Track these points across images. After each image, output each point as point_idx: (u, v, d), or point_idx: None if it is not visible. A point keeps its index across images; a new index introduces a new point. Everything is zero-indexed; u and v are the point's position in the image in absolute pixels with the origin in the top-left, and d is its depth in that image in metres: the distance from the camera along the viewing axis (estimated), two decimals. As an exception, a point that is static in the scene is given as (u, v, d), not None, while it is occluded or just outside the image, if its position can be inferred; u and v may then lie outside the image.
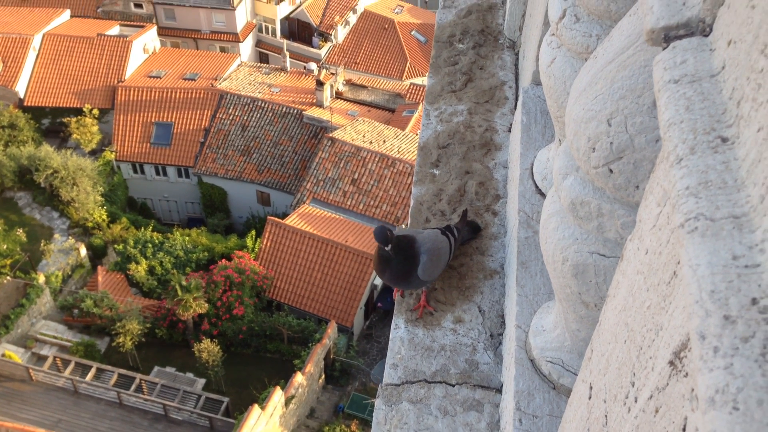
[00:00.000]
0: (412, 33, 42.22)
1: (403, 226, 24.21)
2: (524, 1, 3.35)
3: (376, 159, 30.20)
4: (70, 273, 27.53)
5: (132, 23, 38.82)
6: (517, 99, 3.37)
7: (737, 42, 0.78)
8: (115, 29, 37.30)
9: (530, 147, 2.55)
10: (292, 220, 27.87)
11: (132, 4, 40.49)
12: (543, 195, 2.42)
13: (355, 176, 30.16)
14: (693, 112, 0.80)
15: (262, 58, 43.75)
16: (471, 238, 2.76)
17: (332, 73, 35.76)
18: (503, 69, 3.52)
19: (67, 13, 37.44)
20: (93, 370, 24.15)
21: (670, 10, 0.96)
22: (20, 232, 27.75)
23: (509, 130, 3.11)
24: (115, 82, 34.19)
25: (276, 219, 27.87)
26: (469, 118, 3.24)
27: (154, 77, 35.01)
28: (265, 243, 27.27)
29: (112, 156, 32.68)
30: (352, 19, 43.00)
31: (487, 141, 3.11)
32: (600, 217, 1.54)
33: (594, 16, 1.86)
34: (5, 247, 26.60)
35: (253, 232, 29.87)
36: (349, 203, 29.73)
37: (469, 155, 3.04)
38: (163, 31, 40.05)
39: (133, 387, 23.84)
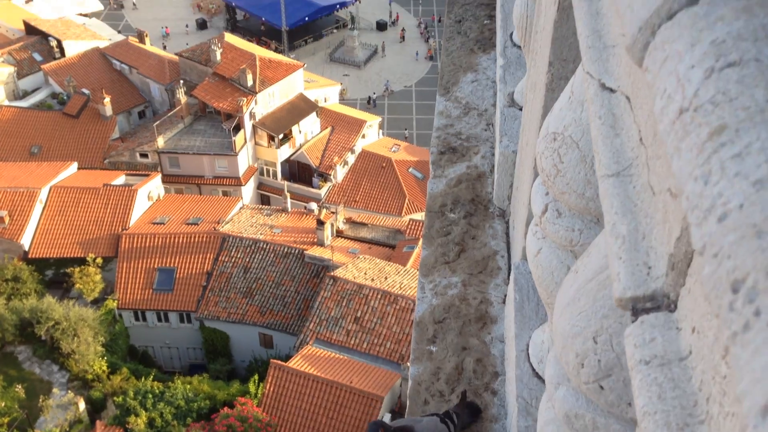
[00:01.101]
0: (410, 170, 43.39)
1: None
2: (511, 171, 3.47)
3: (379, 296, 30.14)
4: (68, 429, 26.74)
5: (137, 172, 40.01)
6: (509, 269, 3.41)
7: (700, 333, 0.78)
8: (120, 179, 38.39)
9: (524, 327, 2.55)
10: (295, 363, 27.41)
11: (138, 154, 41.88)
12: (541, 379, 2.39)
13: (358, 314, 29.99)
14: (665, 401, 0.79)
15: (264, 200, 44.72)
16: (471, 422, 2.70)
17: (332, 212, 36.44)
18: (494, 238, 3.60)
19: (75, 165, 38.66)
20: None
21: (636, 279, 0.98)
22: (19, 389, 27.23)
23: (504, 302, 3.14)
24: (120, 230, 34.76)
25: (279, 362, 27.42)
26: (464, 290, 3.27)
27: (157, 223, 35.63)
28: (268, 388, 26.68)
29: (114, 304, 32.65)
30: (351, 159, 44.35)
31: (482, 314, 3.13)
32: (595, 431, 1.51)
33: (575, 212, 1.93)
34: (3, 404, 26.01)
35: (256, 377, 29.31)
36: (352, 342, 29.36)
37: (465, 330, 3.04)
38: (167, 179, 41.19)
39: None
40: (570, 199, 1.87)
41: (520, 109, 3.41)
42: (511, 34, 3.67)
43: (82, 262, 33.37)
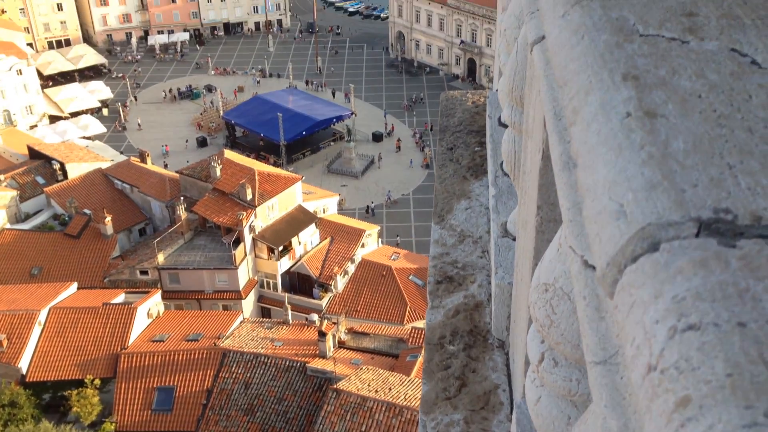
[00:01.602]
0: (410, 278, 43.32)
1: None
2: (507, 303, 3.47)
3: (383, 408, 29.36)
4: None
5: (137, 290, 39.88)
6: (512, 403, 3.35)
7: None
8: (120, 297, 38.23)
9: (530, 471, 2.48)
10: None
11: (138, 272, 41.91)
12: None
13: (363, 429, 29.11)
14: None
15: (264, 313, 44.38)
16: None
17: (334, 323, 36.07)
18: (495, 371, 3.56)
19: (74, 286, 38.59)
20: None
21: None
22: None
23: (508, 440, 3.06)
24: (119, 349, 34.27)
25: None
26: (467, 428, 3.19)
27: (157, 341, 35.17)
28: None
29: (112, 427, 31.73)
30: (351, 268, 44.36)
31: (486, 454, 3.04)
32: None
33: (572, 361, 1.91)
34: None
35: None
36: (358, 459, 28.34)
37: (470, 473, 2.94)
38: (167, 295, 41.01)
39: None
40: (566, 349, 1.86)
41: (514, 239, 3.45)
42: (501, 163, 3.76)
43: (80, 384, 32.70)
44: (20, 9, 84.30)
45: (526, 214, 2.53)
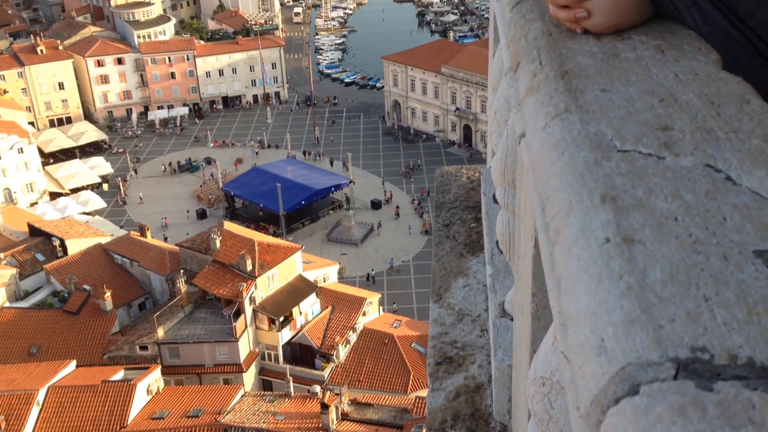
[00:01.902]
0: (413, 345, 42.83)
1: None
2: (508, 385, 3.43)
3: (390, 483, 28.60)
4: None
5: (137, 366, 39.36)
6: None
7: None
8: (119, 374, 37.69)
9: None
10: None
11: (137, 347, 41.45)
12: None
13: (370, 505, 28.28)
14: None
15: (266, 386, 43.67)
16: None
17: (336, 394, 35.49)
18: (499, 455, 3.49)
19: (73, 363, 38.10)
20: None
21: None
22: None
23: None
24: (118, 428, 33.59)
25: None
26: None
27: (156, 419, 34.50)
28: None
29: None
30: (353, 337, 43.90)
31: None
32: None
33: None
34: None
35: None
36: None
37: None
38: (167, 370, 40.43)
39: None
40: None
41: (512, 319, 3.43)
42: (497, 242, 3.78)
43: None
44: (22, 89, 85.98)
45: (522, 299, 2.53)
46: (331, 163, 78.15)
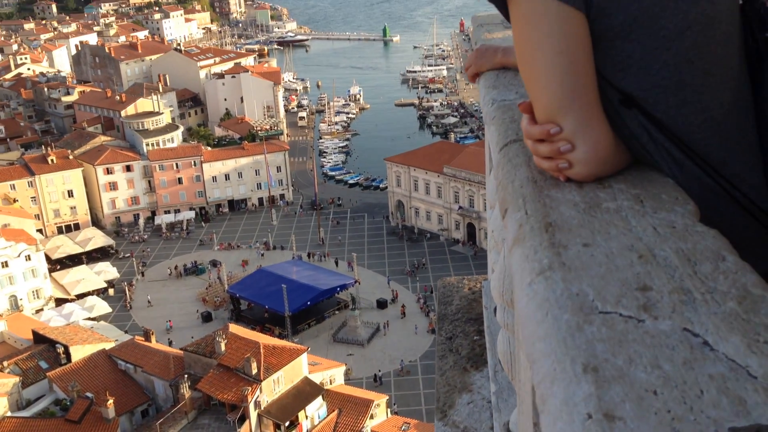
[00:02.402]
0: (422, 450, 41.53)
1: None
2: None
3: None
4: None
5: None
6: None
7: None
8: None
9: None
10: None
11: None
12: None
13: None
14: None
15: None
16: None
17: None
18: None
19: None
20: None
21: None
22: None
23: None
24: None
25: None
26: None
27: None
28: None
29: None
30: (360, 443, 42.65)
31: None
32: None
33: None
34: None
35: None
36: None
37: None
38: (169, 482, 39.15)
39: None
40: None
41: (518, 439, 3.37)
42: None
43: None
44: (32, 197, 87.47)
45: (525, 425, 2.51)
46: (336, 264, 78.28)
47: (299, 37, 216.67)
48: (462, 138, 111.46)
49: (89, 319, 65.29)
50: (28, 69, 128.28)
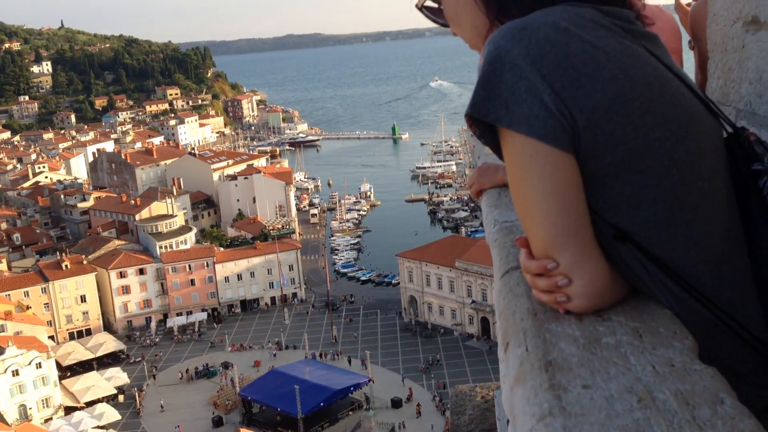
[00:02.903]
0: None
1: None
2: None
3: None
4: None
5: None
6: None
7: None
8: None
9: None
10: None
11: None
12: None
13: None
14: None
15: None
16: None
17: None
18: None
19: None
20: None
21: None
22: None
23: None
24: None
25: None
26: None
27: None
28: None
29: None
30: None
31: None
32: None
33: None
34: None
35: None
36: None
37: None
38: None
39: None
40: None
41: None
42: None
43: None
44: (45, 304, 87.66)
45: None
46: (350, 362, 77.08)
47: (310, 138, 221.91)
48: (473, 231, 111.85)
49: (98, 427, 63.99)
50: (46, 177, 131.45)
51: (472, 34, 1.68)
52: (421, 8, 1.78)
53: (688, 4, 3.90)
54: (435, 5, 1.76)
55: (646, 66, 1.47)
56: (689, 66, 3.80)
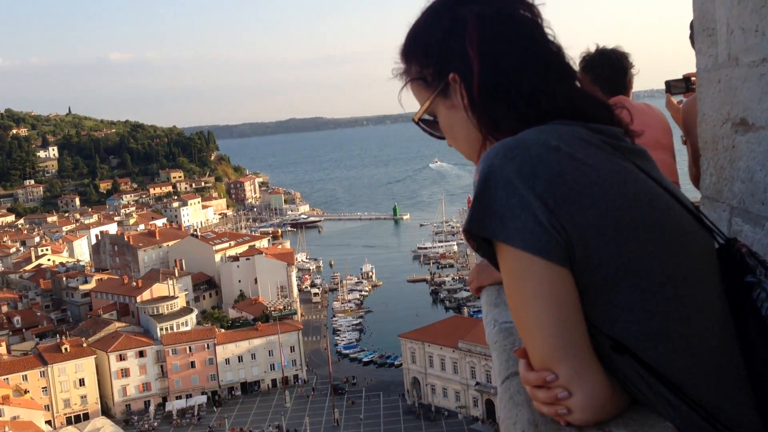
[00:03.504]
0: None
1: None
2: None
3: None
4: None
5: None
6: None
7: None
8: None
9: None
10: None
11: None
12: None
13: None
14: None
15: None
16: None
17: None
18: None
19: None
20: None
21: None
22: None
23: None
24: None
25: None
26: None
27: None
28: None
29: None
30: None
31: None
32: None
33: None
34: None
35: None
36: None
37: None
38: None
39: None
40: None
41: None
42: None
43: None
44: (43, 388, 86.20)
45: None
46: (353, 448, 75.06)
47: (312, 219, 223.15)
48: (475, 312, 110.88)
49: None
50: (48, 260, 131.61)
51: (467, 148, 1.71)
52: (418, 122, 1.83)
53: (680, 102, 4.01)
54: (431, 118, 1.81)
55: (636, 182, 1.51)
56: (682, 159, 3.88)
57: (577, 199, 1.43)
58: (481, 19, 1.59)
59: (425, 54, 1.65)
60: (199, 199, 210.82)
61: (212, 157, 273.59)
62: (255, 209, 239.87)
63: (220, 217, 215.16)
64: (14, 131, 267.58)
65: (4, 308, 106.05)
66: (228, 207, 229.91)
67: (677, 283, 1.48)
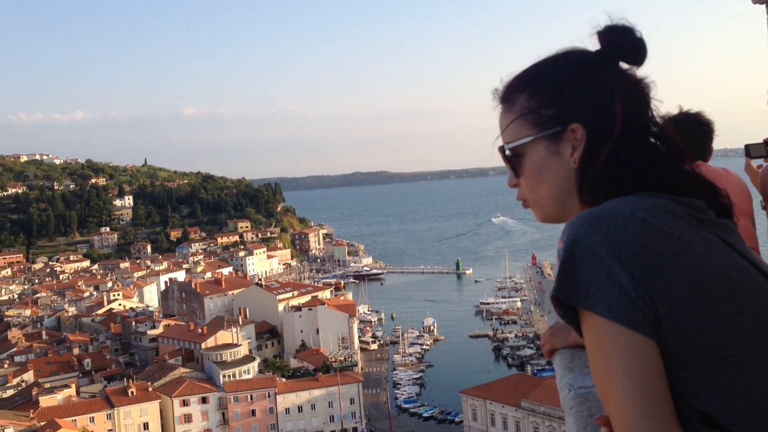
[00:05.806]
0: None
1: None
2: None
3: None
4: None
5: None
6: None
7: None
8: None
9: None
10: None
11: None
12: None
13: None
14: None
15: None
16: None
17: None
18: None
19: None
20: None
21: None
22: None
23: None
24: None
25: None
26: None
27: None
28: None
29: None
30: None
31: None
32: None
33: None
34: None
35: None
36: None
37: None
38: None
39: None
40: None
41: None
42: None
43: None
44: (108, 430, 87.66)
45: None
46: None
47: (374, 271, 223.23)
48: (539, 370, 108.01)
49: None
50: (120, 304, 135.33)
51: (549, 197, 1.69)
52: (503, 149, 1.73)
53: (759, 166, 3.94)
54: (510, 153, 1.71)
55: (722, 255, 1.52)
56: (762, 225, 3.79)
57: (663, 271, 1.43)
58: (628, 84, 1.63)
59: (551, 94, 1.65)
60: (265, 249, 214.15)
61: (278, 208, 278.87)
62: (318, 260, 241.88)
63: (284, 267, 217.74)
64: (93, 180, 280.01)
65: (76, 350, 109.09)
66: (292, 257, 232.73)
67: (765, 359, 1.48)
